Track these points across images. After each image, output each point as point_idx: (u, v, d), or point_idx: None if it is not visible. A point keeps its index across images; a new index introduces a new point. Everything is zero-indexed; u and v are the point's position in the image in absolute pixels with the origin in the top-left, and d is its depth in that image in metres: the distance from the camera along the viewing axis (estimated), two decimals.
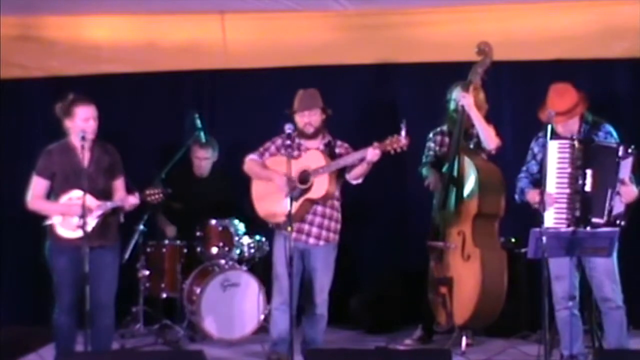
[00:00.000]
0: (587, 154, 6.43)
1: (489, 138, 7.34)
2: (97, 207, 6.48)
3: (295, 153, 6.87)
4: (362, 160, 6.70)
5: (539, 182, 6.53)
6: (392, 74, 8.63)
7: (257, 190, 7.08)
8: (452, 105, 7.51)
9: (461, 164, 7.37)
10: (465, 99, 7.31)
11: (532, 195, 6.52)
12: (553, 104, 6.53)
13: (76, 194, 6.48)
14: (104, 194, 6.57)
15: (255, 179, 7.08)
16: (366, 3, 8.38)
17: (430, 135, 7.69)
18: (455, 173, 7.38)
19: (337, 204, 7.01)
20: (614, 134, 6.62)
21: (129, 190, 6.67)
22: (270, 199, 6.94)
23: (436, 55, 8.24)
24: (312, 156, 6.89)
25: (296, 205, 6.77)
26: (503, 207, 7.34)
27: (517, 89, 8.56)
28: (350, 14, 8.45)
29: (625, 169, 6.40)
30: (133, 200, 6.59)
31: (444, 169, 7.48)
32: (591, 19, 8.22)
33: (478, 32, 8.00)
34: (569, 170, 6.46)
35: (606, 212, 6.35)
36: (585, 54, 8.25)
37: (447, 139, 7.59)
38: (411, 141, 6.63)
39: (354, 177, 6.87)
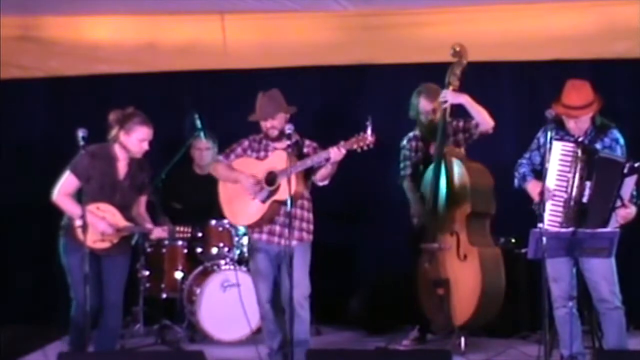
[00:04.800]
0: (590, 165, 6.34)
1: (486, 120, 7.33)
2: (124, 228, 6.54)
3: (262, 154, 6.85)
4: (327, 160, 6.57)
5: (539, 173, 6.49)
6: (392, 74, 8.63)
7: (225, 193, 6.97)
8: (421, 117, 7.57)
9: (448, 165, 7.37)
10: (455, 96, 7.31)
11: (534, 186, 6.47)
12: (569, 97, 6.43)
13: (104, 206, 6.51)
14: (129, 208, 6.63)
15: (222, 180, 6.97)
16: (366, 3, 8.38)
17: (404, 142, 7.71)
18: (442, 175, 7.38)
19: (307, 204, 6.89)
20: (621, 140, 6.53)
21: (156, 220, 6.76)
22: (238, 202, 6.86)
23: (436, 55, 8.22)
24: (278, 157, 6.76)
25: (264, 207, 6.73)
26: (494, 206, 7.40)
27: (517, 89, 8.55)
28: (350, 14, 8.46)
29: (628, 186, 6.33)
30: (161, 233, 6.67)
31: (429, 172, 7.47)
32: (591, 19, 8.22)
33: (478, 33, 8.01)
34: (569, 175, 6.40)
35: (601, 227, 6.27)
36: (585, 54, 8.25)
37: (420, 144, 7.63)
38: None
39: (320, 178, 6.73)
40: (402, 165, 7.71)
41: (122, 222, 6.54)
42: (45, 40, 8.74)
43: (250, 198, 6.78)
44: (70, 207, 6.53)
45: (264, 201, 6.74)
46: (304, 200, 6.85)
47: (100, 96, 8.50)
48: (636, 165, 6.33)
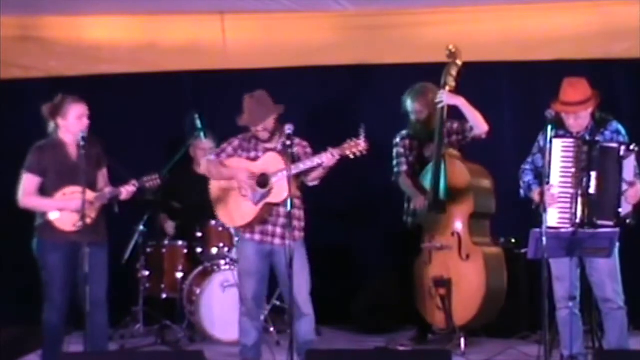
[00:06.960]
0: (591, 156, 6.38)
1: (481, 123, 7.35)
2: (96, 199, 6.48)
3: (253, 154, 6.79)
4: (320, 164, 6.58)
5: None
6: (392, 74, 8.63)
7: (216, 193, 6.94)
8: (412, 117, 7.61)
9: (448, 165, 7.38)
10: (451, 97, 7.33)
11: (538, 195, 6.49)
12: (566, 94, 6.46)
13: (70, 189, 6.47)
14: (94, 186, 6.56)
15: (216, 179, 6.93)
16: (366, 3, 8.39)
17: (397, 140, 7.72)
18: (442, 175, 7.38)
19: (298, 202, 6.84)
20: (622, 131, 6.55)
21: (124, 179, 6.62)
22: (230, 203, 6.85)
23: (436, 55, 8.22)
24: (270, 159, 6.73)
25: (256, 209, 6.70)
26: (495, 206, 7.44)
27: (517, 89, 8.56)
28: (350, 14, 8.46)
29: (629, 167, 6.36)
30: (130, 188, 6.55)
31: (428, 172, 7.49)
32: (591, 19, 8.23)
33: (478, 33, 8.02)
34: (573, 170, 6.42)
35: (614, 214, 6.31)
36: (585, 54, 8.26)
37: (415, 143, 7.64)
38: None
39: (311, 180, 6.74)
40: (395, 162, 7.71)
41: (92, 194, 6.45)
42: (45, 40, 8.75)
43: (244, 198, 6.75)
44: (39, 203, 6.55)
45: (256, 203, 6.70)
46: (295, 199, 6.77)
47: (100, 96, 8.49)
48: (631, 147, 6.37)
